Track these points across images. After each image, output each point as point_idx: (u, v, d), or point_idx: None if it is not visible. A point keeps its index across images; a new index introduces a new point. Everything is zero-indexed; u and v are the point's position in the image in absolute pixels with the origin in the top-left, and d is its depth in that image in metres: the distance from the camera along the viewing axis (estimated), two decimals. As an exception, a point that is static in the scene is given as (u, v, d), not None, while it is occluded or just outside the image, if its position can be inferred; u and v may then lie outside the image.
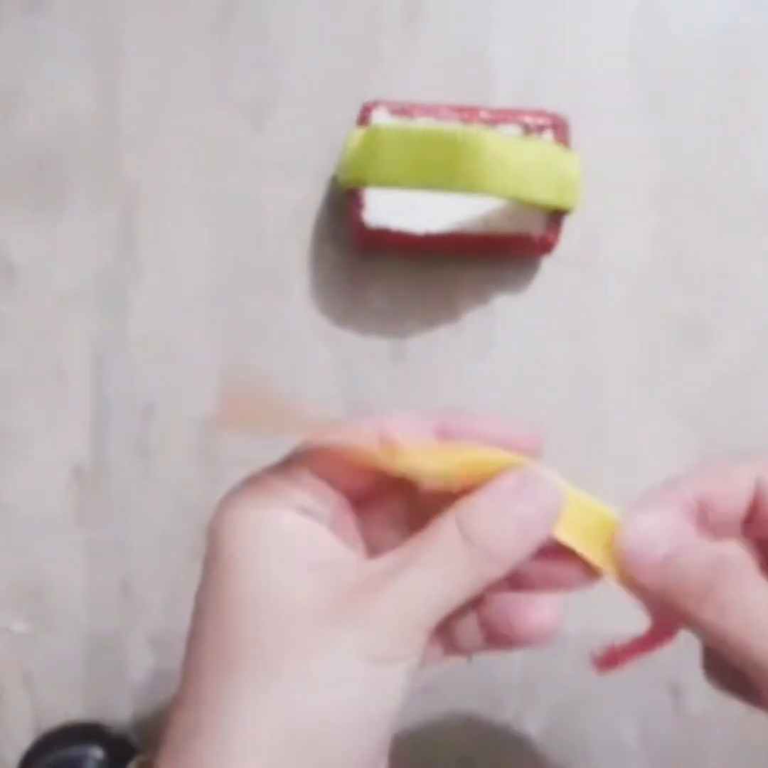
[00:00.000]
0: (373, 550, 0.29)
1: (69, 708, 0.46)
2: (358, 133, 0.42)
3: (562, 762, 0.46)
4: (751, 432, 0.46)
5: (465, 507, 0.26)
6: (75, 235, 0.46)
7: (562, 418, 0.46)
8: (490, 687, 0.46)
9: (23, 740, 0.45)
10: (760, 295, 0.46)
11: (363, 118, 0.43)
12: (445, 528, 0.26)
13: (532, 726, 0.46)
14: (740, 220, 0.46)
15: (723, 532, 0.28)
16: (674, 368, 0.46)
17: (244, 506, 0.27)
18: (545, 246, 0.44)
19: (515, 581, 0.29)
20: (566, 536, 0.28)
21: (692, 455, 0.46)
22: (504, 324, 0.46)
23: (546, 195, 0.40)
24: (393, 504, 0.29)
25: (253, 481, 0.28)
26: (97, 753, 0.44)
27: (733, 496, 0.28)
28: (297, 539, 0.26)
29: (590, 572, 0.28)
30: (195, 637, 0.27)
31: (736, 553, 0.27)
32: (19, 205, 0.46)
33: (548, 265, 0.46)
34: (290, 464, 0.28)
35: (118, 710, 0.46)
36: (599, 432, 0.46)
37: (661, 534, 0.27)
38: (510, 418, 0.29)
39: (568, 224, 0.43)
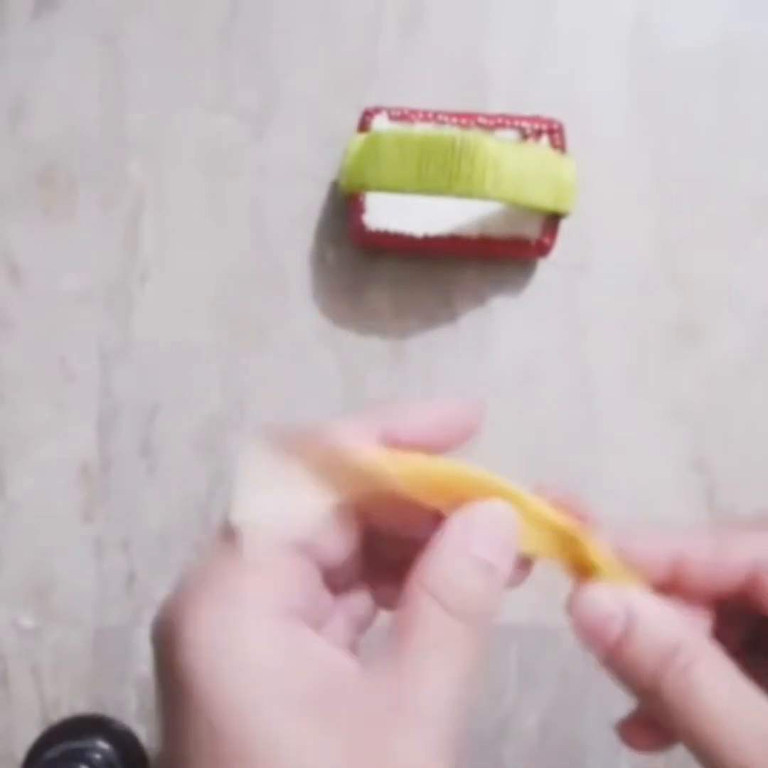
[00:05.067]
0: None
1: (75, 701, 0.47)
2: (359, 139, 0.42)
3: (560, 754, 0.47)
4: (745, 432, 0.47)
5: (436, 581, 0.23)
6: (81, 238, 0.47)
7: (557, 419, 0.47)
8: (488, 681, 0.47)
9: (31, 732, 0.46)
10: (754, 296, 0.47)
11: (363, 124, 0.44)
12: (426, 610, 0.23)
13: (530, 719, 0.47)
14: (733, 223, 0.47)
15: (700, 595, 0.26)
16: (668, 369, 0.47)
17: (199, 625, 0.22)
18: (541, 249, 0.44)
19: None
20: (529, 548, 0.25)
21: (686, 455, 0.47)
22: (501, 325, 0.47)
23: (542, 199, 0.41)
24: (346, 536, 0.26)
25: (208, 577, 0.23)
26: (102, 745, 0.45)
27: (724, 575, 0.26)
28: (275, 666, 0.22)
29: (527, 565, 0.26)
30: None
31: (696, 630, 0.25)
32: (26, 208, 0.47)
33: (544, 267, 0.47)
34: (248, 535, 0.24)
35: (124, 704, 0.47)
36: (594, 432, 0.47)
37: (614, 613, 0.24)
38: (444, 400, 0.27)
39: (564, 228, 0.44)
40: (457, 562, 0.23)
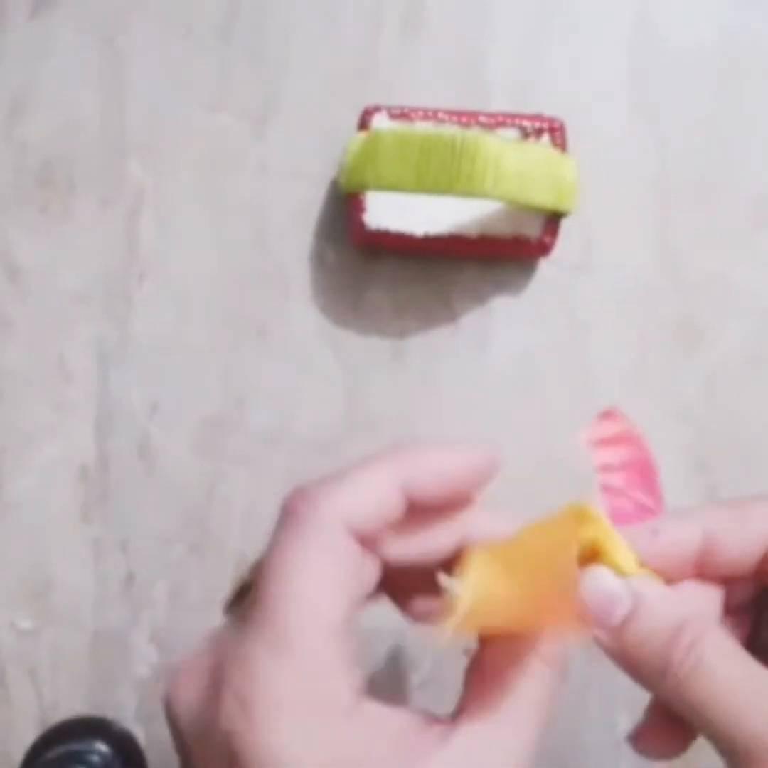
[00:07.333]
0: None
1: (73, 703, 0.47)
2: (359, 138, 0.42)
3: (560, 755, 0.46)
4: (746, 432, 0.47)
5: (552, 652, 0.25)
6: (80, 238, 0.47)
7: (558, 419, 0.47)
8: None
9: (28, 735, 0.46)
10: (754, 295, 0.47)
11: (363, 123, 0.44)
12: (541, 678, 0.25)
13: (530, 721, 0.47)
14: (734, 222, 0.47)
15: (730, 573, 0.27)
16: (669, 368, 0.47)
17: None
18: (542, 248, 0.44)
19: None
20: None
21: (687, 455, 0.47)
22: (501, 325, 0.47)
23: (543, 198, 0.41)
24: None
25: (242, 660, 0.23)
26: (101, 747, 0.45)
27: (748, 537, 0.26)
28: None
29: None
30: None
31: (702, 610, 0.26)
32: (25, 208, 0.47)
33: (545, 267, 0.47)
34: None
35: (122, 705, 0.47)
36: (595, 431, 0.47)
37: (619, 593, 0.25)
38: (464, 443, 0.27)
39: (565, 227, 0.44)
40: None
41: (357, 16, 0.47)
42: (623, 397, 0.46)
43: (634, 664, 0.25)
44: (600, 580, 0.25)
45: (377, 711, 0.23)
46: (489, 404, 0.47)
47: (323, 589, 0.23)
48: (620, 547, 0.26)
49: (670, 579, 0.27)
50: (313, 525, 0.23)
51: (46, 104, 0.47)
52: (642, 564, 0.26)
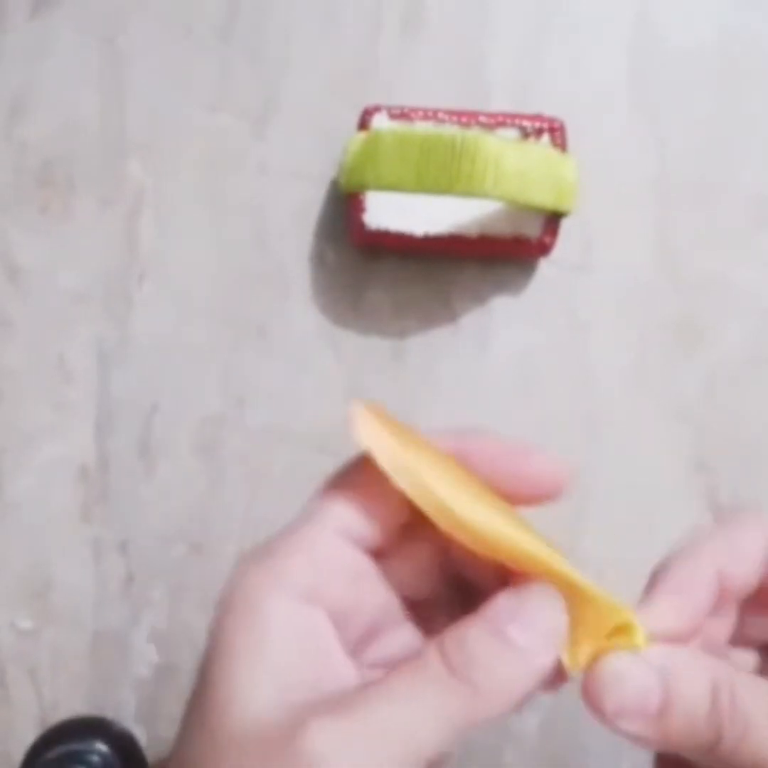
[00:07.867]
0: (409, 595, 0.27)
1: (73, 703, 0.47)
2: (359, 138, 0.42)
3: (561, 756, 0.46)
4: (746, 432, 0.47)
5: (451, 635, 0.23)
6: (81, 238, 0.47)
7: (558, 418, 0.47)
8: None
9: (29, 734, 0.46)
10: (754, 295, 0.47)
11: (363, 123, 0.44)
12: (428, 657, 0.22)
13: (531, 721, 0.46)
14: (734, 222, 0.47)
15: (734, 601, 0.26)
16: (669, 368, 0.47)
17: (249, 588, 0.24)
18: (542, 248, 0.44)
19: None
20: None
21: (687, 455, 0.47)
22: (501, 325, 0.47)
23: (543, 198, 0.41)
24: (423, 551, 0.27)
25: (265, 552, 0.25)
26: (101, 747, 0.45)
27: (747, 566, 0.25)
28: (286, 646, 0.23)
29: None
30: (182, 744, 0.23)
31: (719, 663, 0.24)
32: (25, 208, 0.47)
33: (545, 267, 0.47)
34: (314, 517, 0.25)
35: (122, 705, 0.47)
36: (595, 432, 0.47)
37: (647, 677, 0.23)
38: (538, 451, 0.25)
39: (565, 227, 0.44)
40: (486, 637, 0.22)
41: (357, 16, 0.47)
42: (623, 397, 0.47)
43: (682, 744, 0.23)
44: (621, 672, 0.23)
45: None
46: (489, 404, 0.47)
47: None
48: (636, 624, 0.24)
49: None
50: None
51: (46, 104, 0.47)
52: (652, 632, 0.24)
